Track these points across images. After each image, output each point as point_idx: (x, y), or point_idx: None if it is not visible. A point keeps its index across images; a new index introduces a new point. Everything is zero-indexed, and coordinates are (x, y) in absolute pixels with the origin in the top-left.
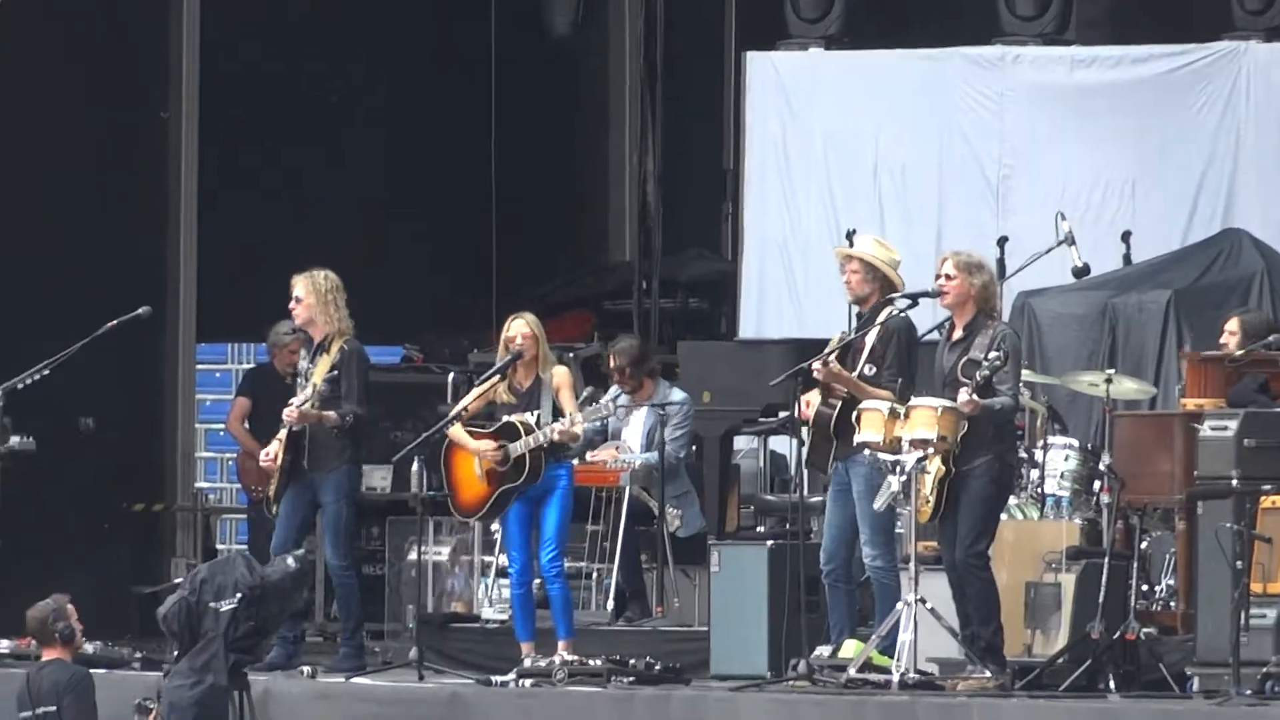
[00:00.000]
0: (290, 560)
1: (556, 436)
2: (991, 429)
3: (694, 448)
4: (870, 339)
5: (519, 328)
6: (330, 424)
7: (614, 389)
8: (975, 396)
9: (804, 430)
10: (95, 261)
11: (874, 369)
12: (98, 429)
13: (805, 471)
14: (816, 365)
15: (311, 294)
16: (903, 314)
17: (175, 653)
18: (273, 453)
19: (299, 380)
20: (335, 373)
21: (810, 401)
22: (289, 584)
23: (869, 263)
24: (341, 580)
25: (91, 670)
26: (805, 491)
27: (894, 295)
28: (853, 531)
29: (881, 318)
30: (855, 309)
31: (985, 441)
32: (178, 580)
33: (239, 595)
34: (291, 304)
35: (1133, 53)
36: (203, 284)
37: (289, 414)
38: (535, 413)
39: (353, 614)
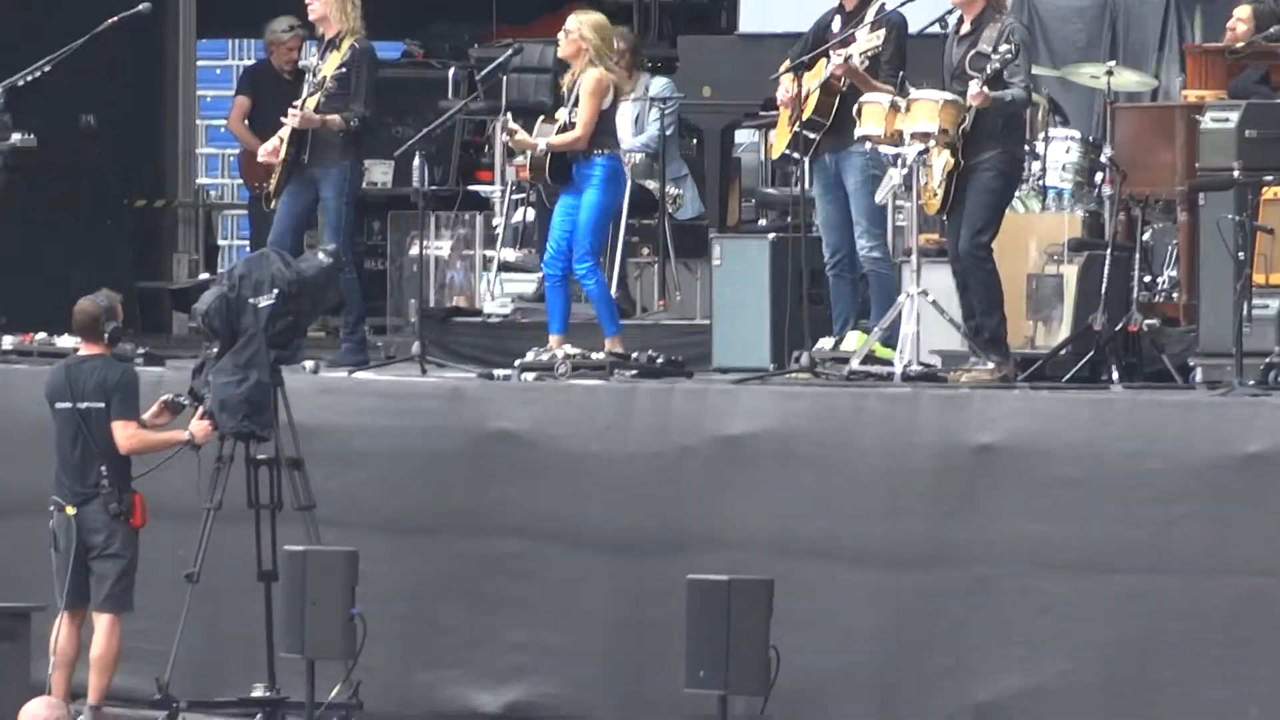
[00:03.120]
0: (322, 255)
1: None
2: (1001, 122)
3: (694, 141)
4: (862, 34)
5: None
6: (335, 127)
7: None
8: (985, 89)
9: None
10: None
11: (867, 63)
12: (99, 126)
13: (807, 163)
14: (837, 63)
15: None
16: (897, 9)
17: (215, 350)
18: (273, 146)
19: (306, 77)
20: (344, 70)
21: (789, 88)
22: (322, 279)
23: None
24: (342, 276)
25: None
26: (806, 184)
27: None
28: (851, 223)
29: (873, 13)
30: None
31: (994, 135)
32: (204, 276)
33: (276, 291)
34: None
35: None
36: None
37: (293, 117)
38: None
39: (354, 309)
